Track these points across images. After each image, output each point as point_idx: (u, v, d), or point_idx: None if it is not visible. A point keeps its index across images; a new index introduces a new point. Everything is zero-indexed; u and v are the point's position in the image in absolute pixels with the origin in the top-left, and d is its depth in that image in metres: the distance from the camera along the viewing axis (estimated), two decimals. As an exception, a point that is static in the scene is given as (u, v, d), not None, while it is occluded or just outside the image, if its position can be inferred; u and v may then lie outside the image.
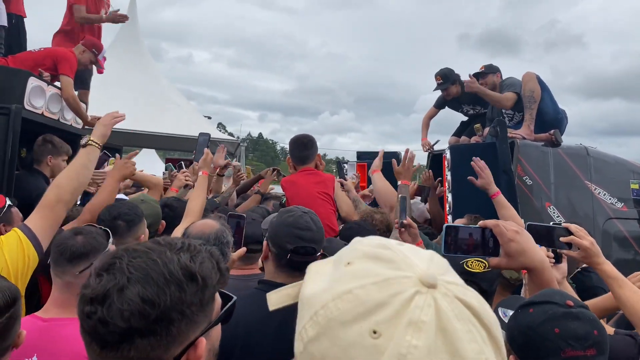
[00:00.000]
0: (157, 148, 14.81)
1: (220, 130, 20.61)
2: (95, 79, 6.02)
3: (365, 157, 5.73)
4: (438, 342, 0.55)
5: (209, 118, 20.79)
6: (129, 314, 0.81)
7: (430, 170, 5.07)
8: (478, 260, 2.13)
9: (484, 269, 2.12)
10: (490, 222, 1.43)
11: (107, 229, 2.05)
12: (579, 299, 1.49)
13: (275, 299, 0.73)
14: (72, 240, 1.87)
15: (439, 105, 5.77)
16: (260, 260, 2.51)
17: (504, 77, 5.10)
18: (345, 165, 6.08)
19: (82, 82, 5.59)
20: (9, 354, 1.54)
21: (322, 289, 0.62)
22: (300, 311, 0.64)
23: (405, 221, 2.59)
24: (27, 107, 3.41)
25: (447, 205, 4.27)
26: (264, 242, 1.99)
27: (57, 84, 4.29)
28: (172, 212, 3.09)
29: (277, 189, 5.39)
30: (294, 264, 1.88)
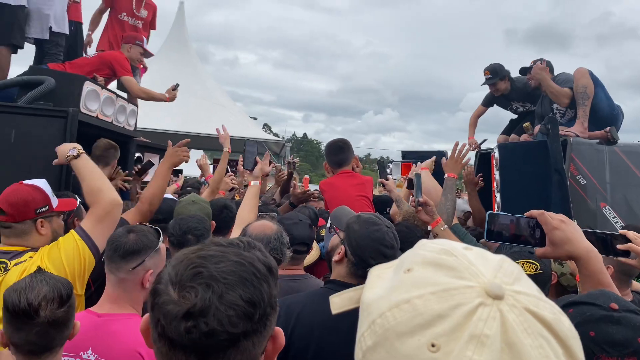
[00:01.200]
0: (205, 149, 15.13)
1: (265, 131, 20.87)
2: (145, 81, 6.26)
3: (411, 157, 5.62)
4: (503, 358, 0.51)
5: (255, 119, 21.10)
6: (237, 319, 0.81)
7: (471, 166, 4.95)
8: (529, 262, 2.07)
9: (535, 270, 2.06)
10: (535, 212, 1.42)
11: (158, 228, 2.13)
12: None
13: (339, 302, 0.72)
14: (124, 237, 1.94)
15: (487, 102, 5.63)
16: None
17: (555, 73, 4.93)
18: (390, 165, 6.00)
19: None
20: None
21: (380, 296, 0.60)
22: (360, 317, 0.62)
23: (421, 199, 2.57)
24: (83, 110, 3.55)
25: (496, 206, 4.16)
26: (341, 247, 1.99)
27: (109, 87, 4.48)
28: (231, 213, 3.15)
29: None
30: None
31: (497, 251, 1.55)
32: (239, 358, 0.82)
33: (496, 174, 4.19)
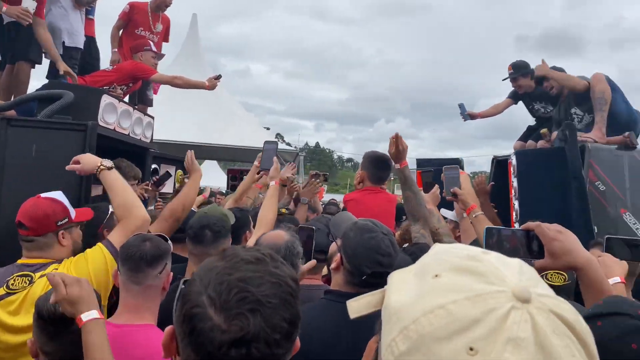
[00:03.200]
0: (219, 159, 15.19)
1: (279, 141, 20.97)
2: (161, 93, 6.34)
3: (425, 165, 5.56)
4: (538, 359, 0.54)
5: (268, 129, 21.15)
6: (282, 341, 0.84)
7: (482, 174, 4.86)
8: (558, 273, 2.04)
9: (563, 282, 2.04)
10: (532, 224, 1.40)
11: (165, 235, 2.15)
12: None
13: (356, 307, 0.73)
14: (143, 246, 1.95)
15: (513, 96, 5.56)
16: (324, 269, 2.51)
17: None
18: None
19: (141, 98, 5.95)
20: None
21: (410, 302, 0.61)
22: (387, 322, 0.63)
23: (452, 190, 2.80)
24: (100, 123, 3.58)
25: (514, 213, 4.11)
26: (338, 255, 1.95)
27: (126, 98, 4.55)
28: (236, 222, 3.15)
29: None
30: (367, 285, 1.86)
31: None
32: None
33: (514, 182, 4.15)
